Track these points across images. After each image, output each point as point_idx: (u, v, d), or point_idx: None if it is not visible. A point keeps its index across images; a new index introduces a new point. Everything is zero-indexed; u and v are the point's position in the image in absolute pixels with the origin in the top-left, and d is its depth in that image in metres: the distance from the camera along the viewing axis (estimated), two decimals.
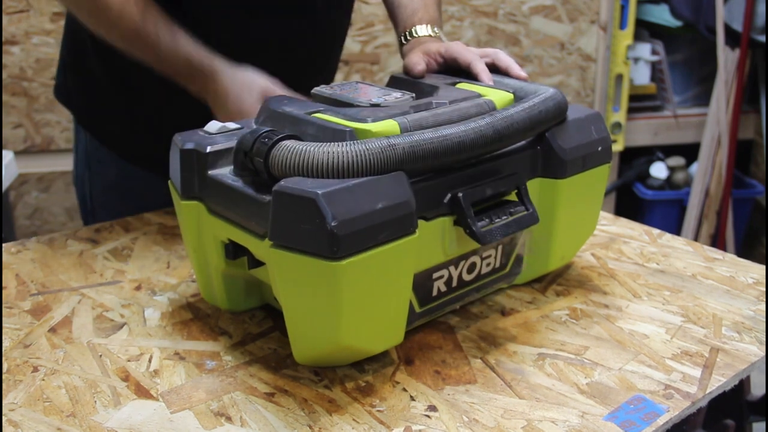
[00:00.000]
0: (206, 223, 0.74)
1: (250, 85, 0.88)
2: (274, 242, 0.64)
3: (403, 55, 0.98)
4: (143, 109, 1.04)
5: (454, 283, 0.77)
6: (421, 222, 0.68)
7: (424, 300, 0.75)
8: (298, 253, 0.63)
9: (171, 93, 0.92)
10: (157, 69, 0.89)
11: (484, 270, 0.80)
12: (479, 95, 0.80)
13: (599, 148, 0.82)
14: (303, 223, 0.61)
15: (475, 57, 0.88)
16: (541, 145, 0.79)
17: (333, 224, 0.60)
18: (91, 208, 1.12)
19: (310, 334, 0.68)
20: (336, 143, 0.64)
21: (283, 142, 0.66)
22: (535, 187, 0.80)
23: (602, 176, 0.85)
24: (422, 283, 0.74)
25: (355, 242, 0.62)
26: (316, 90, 0.80)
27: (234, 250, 0.73)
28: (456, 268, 0.77)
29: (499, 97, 0.80)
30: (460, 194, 0.72)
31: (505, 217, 0.74)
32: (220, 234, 0.73)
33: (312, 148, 0.64)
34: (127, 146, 1.08)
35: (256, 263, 0.73)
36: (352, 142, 0.65)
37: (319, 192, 0.60)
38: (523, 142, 0.78)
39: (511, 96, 0.81)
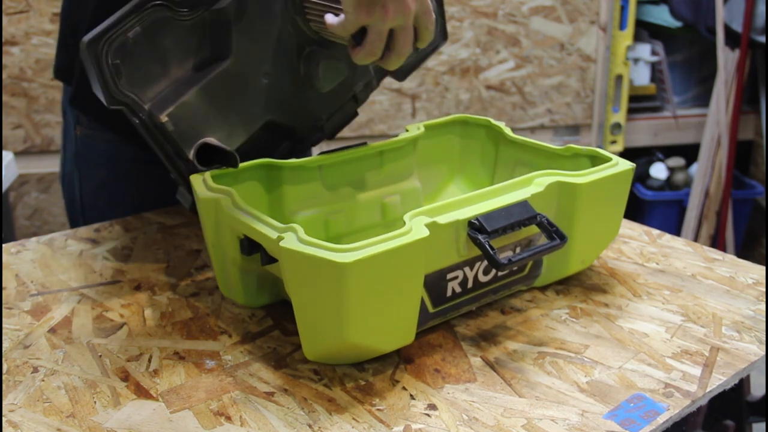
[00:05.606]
0: (223, 218, 0.74)
1: None
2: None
3: None
4: None
5: (470, 285, 0.76)
6: (433, 222, 0.68)
7: (438, 300, 0.75)
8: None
9: None
10: None
11: (501, 272, 0.79)
12: None
13: None
14: None
15: None
16: None
17: None
18: (81, 208, 1.11)
19: (318, 331, 0.68)
20: None
21: None
22: (554, 189, 0.78)
23: (625, 179, 0.83)
24: (435, 284, 0.73)
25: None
26: None
27: (249, 246, 0.73)
28: (471, 269, 0.76)
29: None
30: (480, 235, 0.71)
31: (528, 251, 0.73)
32: (237, 229, 0.73)
33: None
34: (119, 121, 1.04)
35: (269, 260, 0.73)
36: None
37: None
38: None
39: None
